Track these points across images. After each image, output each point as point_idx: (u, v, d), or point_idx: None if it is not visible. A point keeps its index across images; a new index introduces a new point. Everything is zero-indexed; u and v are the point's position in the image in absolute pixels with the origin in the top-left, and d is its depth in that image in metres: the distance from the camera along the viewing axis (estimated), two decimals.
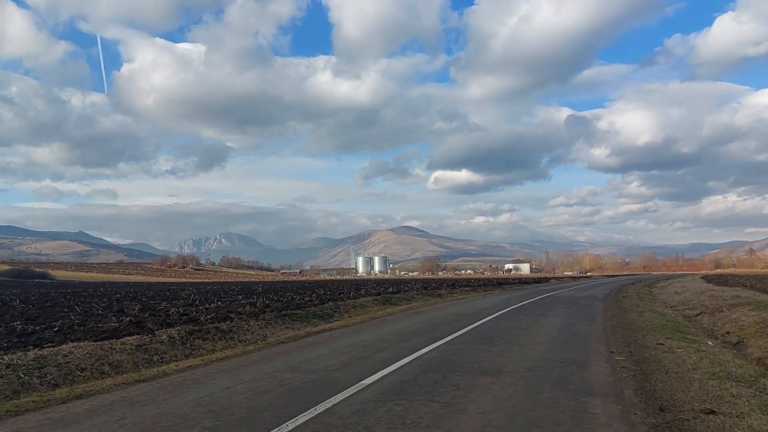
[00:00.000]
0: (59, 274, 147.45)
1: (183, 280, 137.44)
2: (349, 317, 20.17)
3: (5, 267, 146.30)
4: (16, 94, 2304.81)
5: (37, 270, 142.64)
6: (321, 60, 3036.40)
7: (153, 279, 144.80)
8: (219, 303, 23.60)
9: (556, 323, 15.46)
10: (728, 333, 14.47)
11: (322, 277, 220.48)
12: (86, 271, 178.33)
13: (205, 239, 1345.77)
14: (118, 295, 34.72)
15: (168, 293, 36.81)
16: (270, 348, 11.45)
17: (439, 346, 11.00)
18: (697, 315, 19.70)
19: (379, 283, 60.61)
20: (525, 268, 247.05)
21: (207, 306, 21.97)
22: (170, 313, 18.92)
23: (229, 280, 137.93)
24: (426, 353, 10.08)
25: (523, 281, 67.76)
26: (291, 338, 13.04)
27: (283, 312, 18.65)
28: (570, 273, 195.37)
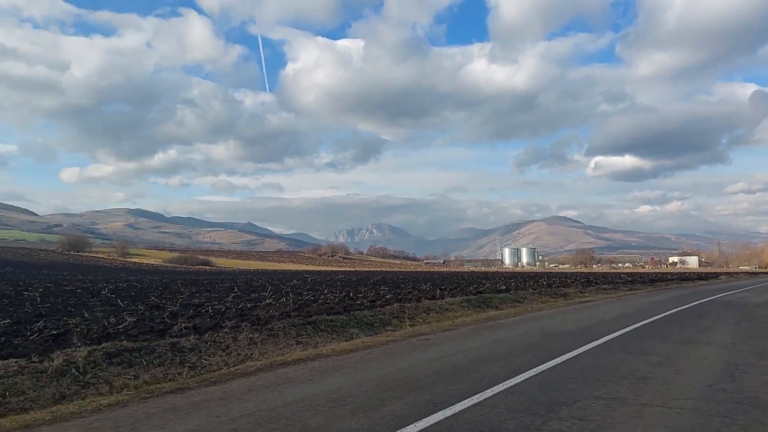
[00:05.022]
0: (221, 261, 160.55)
1: (324, 268, 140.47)
2: (410, 326, 14.88)
3: (176, 255, 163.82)
4: (197, 96, 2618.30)
5: (200, 258, 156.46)
6: (476, 47, 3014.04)
7: (300, 267, 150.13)
8: (285, 299, 19.82)
9: (712, 364, 8.39)
10: None
11: (467, 268, 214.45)
12: (245, 259, 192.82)
13: (358, 230, 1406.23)
14: (228, 284, 33.06)
15: (276, 283, 34.29)
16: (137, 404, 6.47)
17: None
18: None
19: (509, 276, 53.66)
20: (692, 262, 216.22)
21: (274, 302, 18.26)
22: (204, 312, 15.21)
23: (368, 269, 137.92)
24: None
25: (684, 277, 55.93)
26: (239, 374, 7.99)
27: (312, 318, 13.79)
28: (747, 268, 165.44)
